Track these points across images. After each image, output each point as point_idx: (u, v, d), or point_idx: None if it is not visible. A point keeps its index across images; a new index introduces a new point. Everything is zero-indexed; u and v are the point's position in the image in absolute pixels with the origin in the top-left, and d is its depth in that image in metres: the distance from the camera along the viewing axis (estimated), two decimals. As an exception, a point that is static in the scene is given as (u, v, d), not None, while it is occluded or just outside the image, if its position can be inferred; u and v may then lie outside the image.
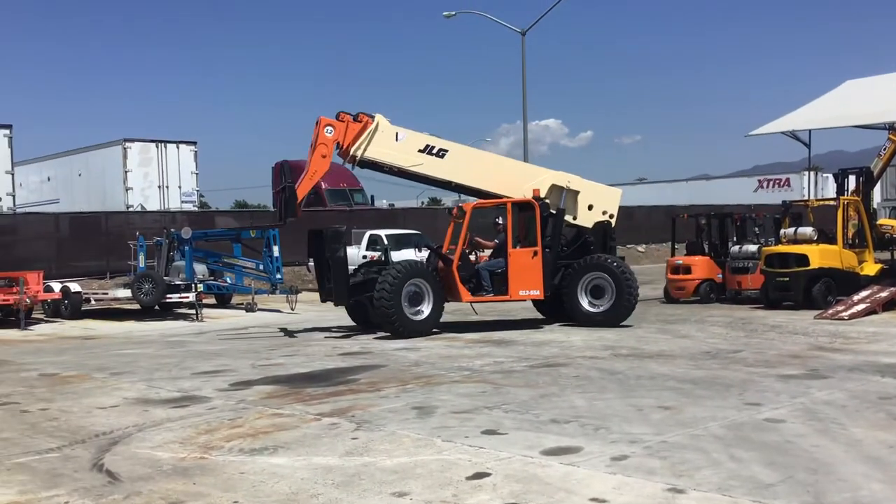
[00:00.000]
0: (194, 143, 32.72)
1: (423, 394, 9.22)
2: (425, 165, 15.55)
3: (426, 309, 14.47)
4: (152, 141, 31.78)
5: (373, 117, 15.33)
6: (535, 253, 14.85)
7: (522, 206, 15.21)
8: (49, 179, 34.56)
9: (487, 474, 6.12)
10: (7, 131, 26.24)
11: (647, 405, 8.27)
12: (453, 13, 37.28)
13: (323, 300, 15.61)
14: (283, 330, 16.10)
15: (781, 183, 57.68)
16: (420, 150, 15.52)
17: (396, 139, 15.46)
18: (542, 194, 15.42)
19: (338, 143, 15.23)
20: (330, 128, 15.07)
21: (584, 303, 14.83)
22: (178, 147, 32.17)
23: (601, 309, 14.74)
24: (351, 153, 15.24)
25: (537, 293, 14.99)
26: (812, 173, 48.67)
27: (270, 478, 6.21)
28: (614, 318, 14.68)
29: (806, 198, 37.97)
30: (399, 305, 14.08)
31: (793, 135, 36.01)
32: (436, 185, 16.83)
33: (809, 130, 35.51)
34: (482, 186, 15.86)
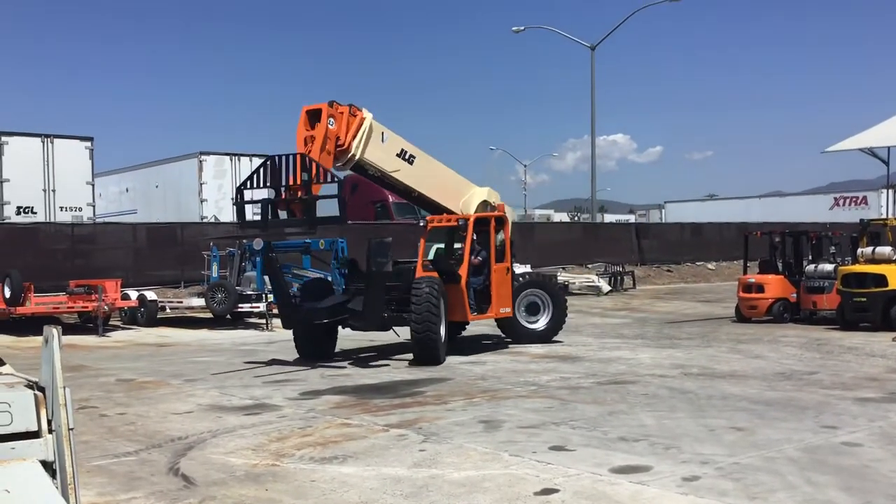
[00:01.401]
0: (263, 156, 33.30)
1: (490, 408, 9.23)
2: (401, 171, 14.25)
3: (443, 330, 13.16)
4: (227, 154, 32.48)
5: (361, 111, 13.63)
6: (508, 269, 14.67)
7: (485, 222, 14.59)
8: (127, 190, 35.57)
9: (556, 490, 6.09)
10: (89, 143, 27.10)
11: (719, 426, 8.13)
12: (522, 28, 37.35)
13: (286, 326, 13.76)
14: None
15: (858, 201, 56.10)
16: (397, 155, 14.16)
17: (382, 140, 13.90)
18: (472, 210, 14.88)
19: (336, 139, 13.23)
20: (333, 119, 13.06)
21: (523, 320, 14.99)
22: (251, 160, 32.73)
23: (540, 325, 15.04)
24: (351, 152, 13.29)
25: (509, 310, 14.64)
26: (891, 191, 47.23)
27: (340, 486, 6.29)
28: (552, 332, 15.12)
29: (884, 216, 36.87)
30: (438, 328, 12.85)
31: (871, 151, 35.01)
32: (399, 195, 15.63)
33: (888, 147, 34.47)
34: (438, 199, 14.80)
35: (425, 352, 12.78)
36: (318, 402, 9.83)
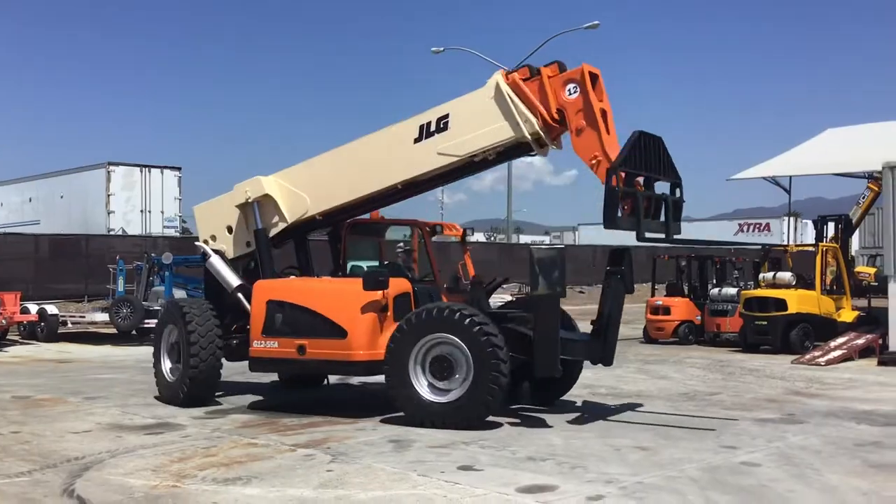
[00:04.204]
0: (178, 169, 32.69)
1: (401, 427, 9.17)
2: None
3: None
4: (136, 165, 31.72)
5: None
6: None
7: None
8: (30, 200, 34.35)
9: (462, 511, 6.08)
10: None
11: (624, 445, 8.26)
12: (441, 49, 37.68)
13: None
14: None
15: (762, 227, 58.29)
16: None
17: None
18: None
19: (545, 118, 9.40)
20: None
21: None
22: (162, 172, 32.11)
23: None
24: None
25: None
26: (792, 219, 49.23)
27: (243, 508, 6.14)
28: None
29: (785, 243, 38.36)
30: None
31: (774, 180, 36.44)
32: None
33: (790, 176, 35.97)
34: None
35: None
36: (225, 421, 9.62)
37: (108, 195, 30.74)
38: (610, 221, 9.04)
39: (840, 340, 16.66)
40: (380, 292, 9.56)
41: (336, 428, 9.15)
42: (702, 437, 8.69)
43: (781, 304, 17.22)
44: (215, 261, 11.13)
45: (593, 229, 65.71)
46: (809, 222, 33.41)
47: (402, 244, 11.96)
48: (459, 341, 8.94)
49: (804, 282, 18.02)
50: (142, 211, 31.22)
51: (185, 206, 33.38)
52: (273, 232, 10.93)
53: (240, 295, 10.76)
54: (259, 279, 10.56)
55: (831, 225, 20.50)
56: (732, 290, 19.05)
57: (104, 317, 19.39)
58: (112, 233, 29.77)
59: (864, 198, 22.48)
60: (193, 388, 10.35)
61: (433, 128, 9.81)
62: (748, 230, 58.45)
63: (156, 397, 10.99)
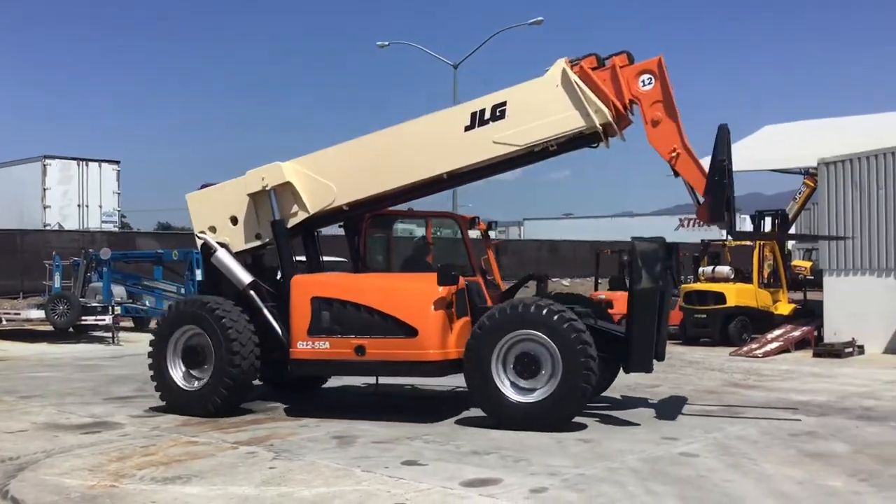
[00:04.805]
0: (117, 163, 32.06)
1: (345, 423, 9.13)
2: None
3: None
4: (74, 159, 31.04)
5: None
6: None
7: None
8: (-38, 194, 33.38)
9: (406, 505, 6.08)
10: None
11: (567, 438, 8.34)
12: (387, 43, 37.52)
13: (647, 369, 9.26)
14: None
15: (701, 222, 59.22)
16: None
17: None
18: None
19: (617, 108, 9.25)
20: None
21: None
22: (100, 166, 31.47)
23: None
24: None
25: None
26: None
27: (183, 507, 6.05)
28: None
29: (724, 238, 39.10)
30: None
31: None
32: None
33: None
34: None
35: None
36: (164, 419, 9.46)
37: (45, 189, 30.06)
38: (720, 217, 9.10)
39: (777, 333, 17.06)
40: (447, 288, 9.08)
41: (279, 425, 9.07)
42: (643, 429, 8.82)
43: (720, 297, 17.58)
44: (223, 255, 10.15)
45: (538, 224, 66.23)
46: (748, 217, 34.05)
47: (419, 238, 11.63)
48: (547, 338, 8.61)
49: (742, 276, 18.42)
50: (79, 205, 30.56)
51: (124, 201, 32.77)
52: (291, 223, 10.09)
53: (252, 293, 9.92)
54: (257, 276, 10.07)
55: (768, 220, 20.94)
56: (673, 284, 19.34)
57: (40, 314, 18.92)
58: (48, 228, 29.08)
59: (800, 193, 23.03)
60: (233, 396, 9.49)
61: (487, 115, 9.38)
62: (689, 225, 59.41)
63: (152, 407, 10.66)
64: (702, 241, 21.89)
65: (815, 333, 16.90)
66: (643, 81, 9.13)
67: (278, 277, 10.43)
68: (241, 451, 7.83)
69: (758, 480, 6.80)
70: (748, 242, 19.51)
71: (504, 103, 9.34)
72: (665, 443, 8.15)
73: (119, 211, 32.33)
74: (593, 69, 9.22)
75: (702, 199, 9.16)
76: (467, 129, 9.44)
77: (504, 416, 8.75)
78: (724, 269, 18.38)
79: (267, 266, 10.75)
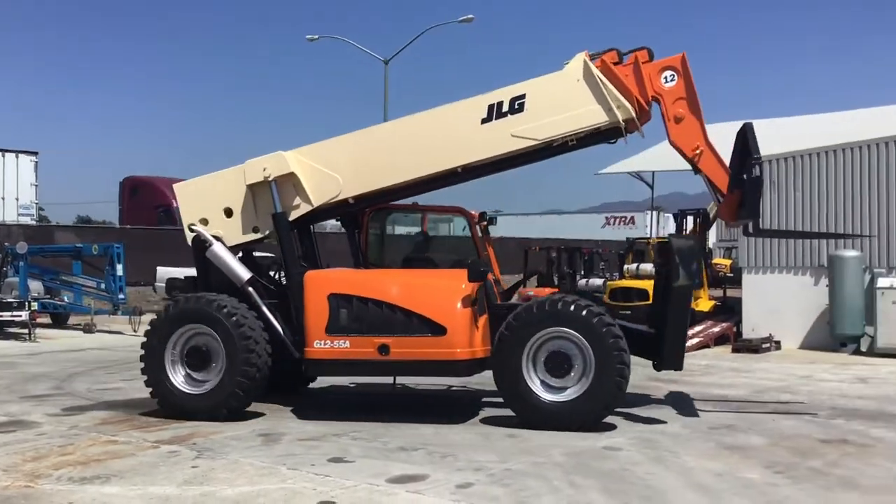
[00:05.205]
0: (35, 154, 31.05)
1: (271, 420, 9.02)
2: None
3: None
4: (-11, 149, 29.93)
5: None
6: None
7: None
8: None
9: (332, 503, 6.03)
10: None
11: (493, 433, 8.39)
12: (317, 37, 37.18)
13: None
14: None
15: (627, 220, 60.37)
16: None
17: None
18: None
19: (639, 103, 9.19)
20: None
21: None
22: (17, 156, 30.41)
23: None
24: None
25: None
26: (654, 212, 51.24)
27: (101, 508, 5.89)
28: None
29: (648, 235, 39.94)
30: None
31: (638, 175, 37.83)
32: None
33: (653, 172, 37.42)
34: None
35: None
36: (83, 418, 9.20)
37: (-43, 180, 28.89)
38: (756, 215, 9.05)
39: (697, 329, 17.46)
40: (473, 285, 8.81)
41: (202, 423, 8.88)
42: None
43: (644, 294, 17.90)
44: (219, 249, 9.55)
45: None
46: (671, 216, 34.78)
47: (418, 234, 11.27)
48: (579, 336, 8.51)
49: (665, 273, 18.80)
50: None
51: (42, 194, 31.74)
52: (293, 216, 9.59)
53: (251, 289, 9.41)
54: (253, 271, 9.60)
55: (690, 219, 21.46)
56: (599, 281, 19.69)
57: (-48, 310, 18.18)
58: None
59: (721, 193, 23.59)
60: (249, 397, 8.99)
61: (506, 108, 9.10)
62: (615, 223, 60.45)
63: (70, 406, 10.37)
64: (627, 238, 22.30)
65: (734, 329, 17.37)
66: (665, 78, 9.09)
67: (272, 273, 10.14)
68: (162, 450, 7.66)
69: (679, 473, 6.95)
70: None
71: (523, 96, 9.12)
72: (589, 437, 8.25)
73: (37, 204, 31.30)
74: (615, 64, 9.13)
75: (721, 198, 9.19)
76: (484, 121, 9.18)
77: (534, 416, 8.59)
78: (649, 267, 18.71)
79: (258, 262, 10.27)
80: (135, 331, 18.78)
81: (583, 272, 20.85)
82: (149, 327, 9.32)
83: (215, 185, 9.95)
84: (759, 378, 12.65)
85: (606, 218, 62.77)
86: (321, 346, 8.87)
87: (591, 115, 9.03)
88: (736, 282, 20.36)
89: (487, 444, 7.95)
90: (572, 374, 8.60)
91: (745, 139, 9.09)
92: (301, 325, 9.09)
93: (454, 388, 11.31)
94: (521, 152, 9.31)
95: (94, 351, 15.94)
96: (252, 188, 9.64)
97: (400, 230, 11.39)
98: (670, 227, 42.22)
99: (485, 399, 10.42)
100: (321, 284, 9.08)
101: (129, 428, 8.62)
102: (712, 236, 33.55)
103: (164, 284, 23.12)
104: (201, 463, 7.17)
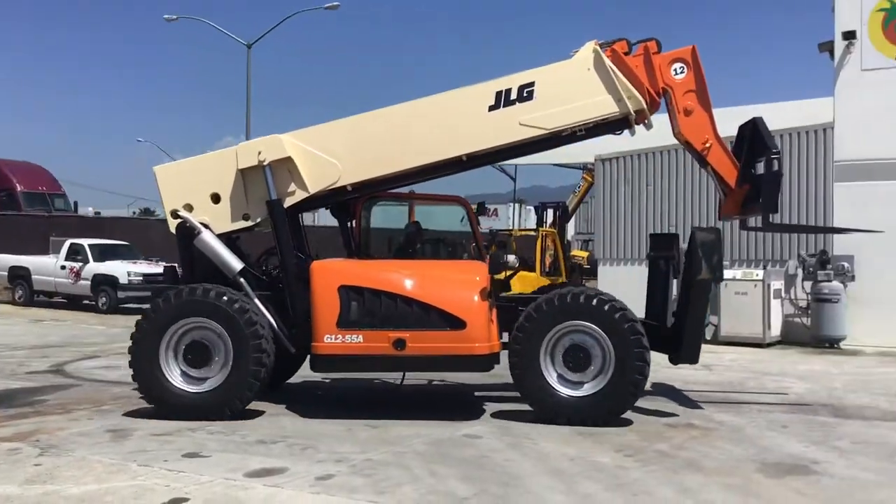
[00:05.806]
0: None
1: (121, 416, 8.65)
2: None
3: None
4: None
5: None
6: None
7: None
8: None
9: (186, 500, 5.85)
10: None
11: (355, 424, 8.34)
12: (175, 17, 35.89)
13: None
14: None
15: (490, 213, 61.33)
16: None
17: None
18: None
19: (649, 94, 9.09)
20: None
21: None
22: None
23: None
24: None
25: None
26: (517, 205, 52.32)
27: (-69, 513, 5.50)
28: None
29: (510, 227, 40.79)
30: None
31: (500, 168, 38.55)
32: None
33: (515, 165, 38.25)
34: None
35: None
36: (-88, 416, 8.56)
37: None
38: (774, 209, 8.97)
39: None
40: (488, 277, 8.56)
41: (47, 419, 8.45)
42: (428, 413, 8.97)
43: (506, 285, 18.24)
44: (209, 237, 8.98)
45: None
46: (532, 208, 35.69)
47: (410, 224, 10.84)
48: (600, 330, 8.39)
49: (527, 264, 19.24)
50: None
51: None
52: (288, 203, 9.11)
53: (243, 280, 8.90)
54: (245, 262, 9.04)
55: (550, 211, 22.04)
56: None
57: None
58: None
59: (579, 187, 24.42)
60: (254, 396, 8.54)
61: (514, 96, 8.87)
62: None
63: (128, 412, 9.48)
64: (490, 229, 22.65)
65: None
66: (675, 70, 9.01)
67: (258, 261, 9.65)
68: (2, 447, 7.22)
69: (536, 459, 7.12)
70: (532, 233, 20.42)
71: (532, 84, 8.92)
72: (449, 426, 8.35)
73: None
74: (625, 54, 9.00)
75: (727, 192, 9.18)
76: (492, 108, 8.94)
77: (552, 410, 8.47)
78: (510, 258, 19.09)
79: (244, 251, 9.59)
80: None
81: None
82: (140, 323, 8.63)
83: (201, 169, 9.37)
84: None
85: (469, 209, 63.43)
86: (332, 340, 8.45)
87: (602, 106, 8.93)
88: (592, 273, 21.09)
89: (349, 435, 7.90)
90: (590, 368, 8.50)
91: (758, 134, 9.03)
92: (298, 319, 8.75)
93: (327, 380, 11.20)
94: (529, 141, 9.11)
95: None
96: (243, 173, 9.12)
97: (395, 220, 11.05)
98: (532, 218, 43.26)
99: (350, 388, 10.37)
100: (331, 276, 8.64)
101: (-36, 426, 8.09)
102: (571, 229, 34.60)
103: (5, 273, 21.91)
104: (45, 461, 6.80)
